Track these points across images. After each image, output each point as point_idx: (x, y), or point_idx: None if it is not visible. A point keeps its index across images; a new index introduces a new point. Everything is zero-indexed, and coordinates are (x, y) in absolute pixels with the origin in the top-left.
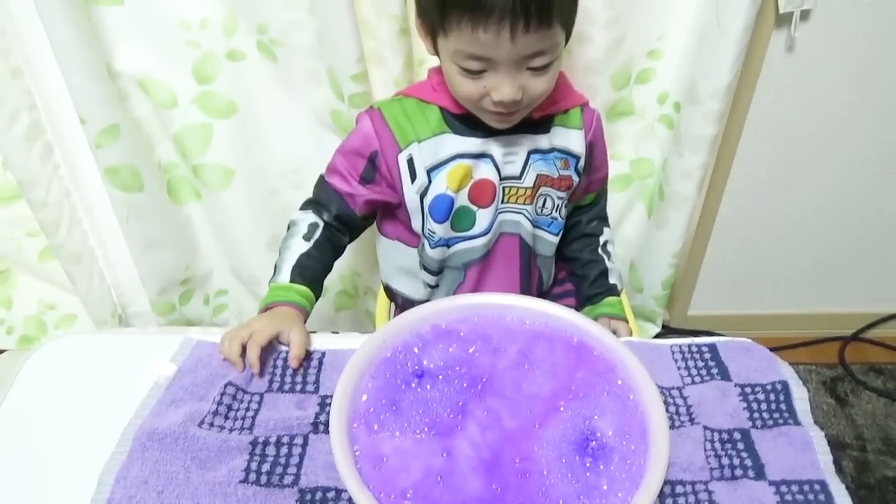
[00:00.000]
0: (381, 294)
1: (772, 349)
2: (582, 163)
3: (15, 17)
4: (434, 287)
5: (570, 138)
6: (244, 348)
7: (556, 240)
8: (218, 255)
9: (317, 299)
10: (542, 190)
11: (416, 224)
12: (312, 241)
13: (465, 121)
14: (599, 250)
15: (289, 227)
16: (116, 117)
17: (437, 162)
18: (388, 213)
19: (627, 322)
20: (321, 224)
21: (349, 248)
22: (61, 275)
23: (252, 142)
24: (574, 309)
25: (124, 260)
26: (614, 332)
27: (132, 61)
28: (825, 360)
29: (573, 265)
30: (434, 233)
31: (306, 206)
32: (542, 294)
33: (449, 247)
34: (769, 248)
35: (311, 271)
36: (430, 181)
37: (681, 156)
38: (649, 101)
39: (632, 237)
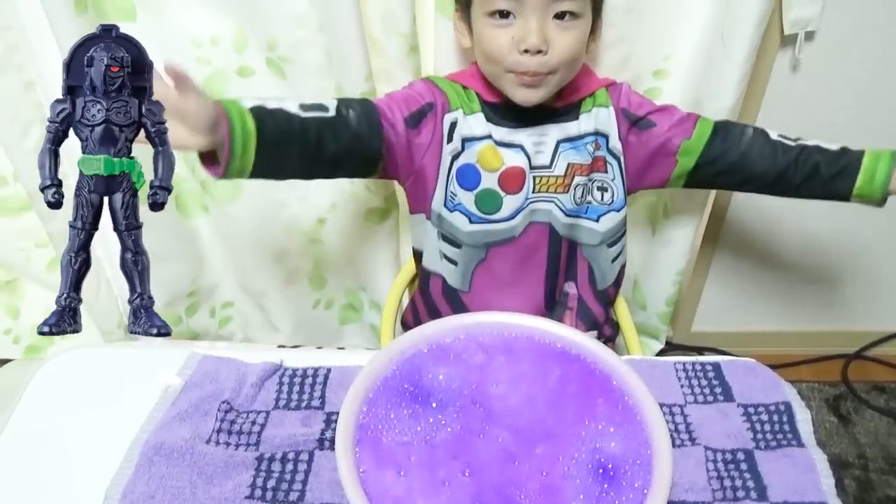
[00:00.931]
0: (387, 308)
1: (775, 367)
2: (614, 140)
3: (28, 32)
4: (454, 264)
5: (600, 117)
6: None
7: (598, 226)
8: (224, 267)
9: (257, 149)
10: (577, 180)
11: (440, 188)
12: (305, 114)
13: (498, 109)
14: (787, 143)
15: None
16: None
17: (472, 136)
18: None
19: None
20: (331, 111)
21: (353, 262)
22: None
23: None
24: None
25: None
26: None
27: None
28: (828, 378)
29: (788, 183)
30: (456, 195)
31: (341, 99)
32: (598, 293)
33: (472, 222)
34: (772, 265)
35: (275, 123)
36: (462, 150)
37: None
38: None
39: (635, 254)
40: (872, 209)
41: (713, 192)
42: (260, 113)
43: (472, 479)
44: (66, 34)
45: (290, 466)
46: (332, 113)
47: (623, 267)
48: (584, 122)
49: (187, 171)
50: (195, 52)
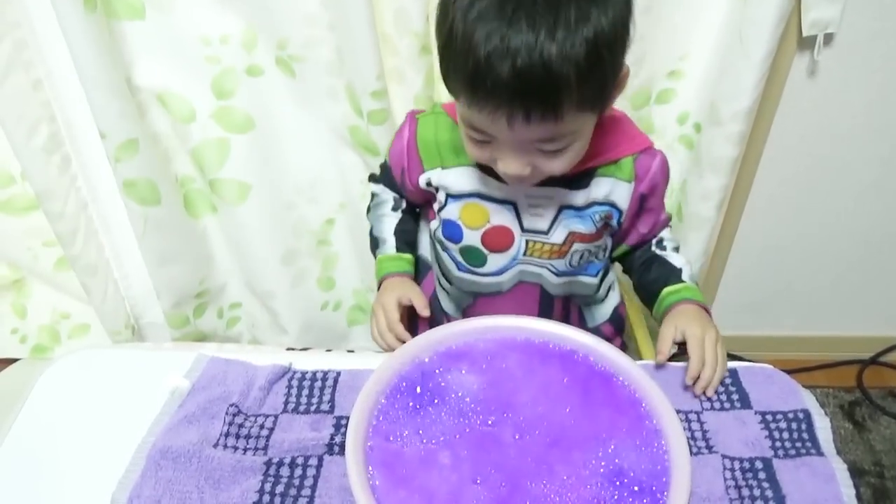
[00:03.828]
0: None
1: (789, 372)
2: (626, 215)
3: (37, 30)
4: (448, 294)
5: (615, 191)
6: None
7: (594, 280)
8: (232, 268)
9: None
10: (576, 247)
11: (432, 226)
12: (400, 210)
13: None
14: (654, 247)
15: (372, 197)
16: (136, 132)
17: (454, 192)
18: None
19: (703, 309)
20: (400, 195)
21: (361, 263)
22: (76, 285)
23: (269, 157)
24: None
25: (138, 271)
26: (682, 336)
27: (152, 76)
28: (843, 384)
29: (634, 281)
30: (443, 242)
31: (379, 180)
32: (592, 331)
33: (459, 269)
34: (788, 270)
35: (409, 236)
36: (445, 203)
37: (701, 177)
38: (669, 122)
39: None
40: (893, 212)
41: (728, 195)
42: (405, 242)
43: (485, 489)
44: (75, 32)
45: (298, 472)
46: (400, 196)
47: (618, 306)
48: (595, 190)
49: (195, 171)
50: (204, 50)
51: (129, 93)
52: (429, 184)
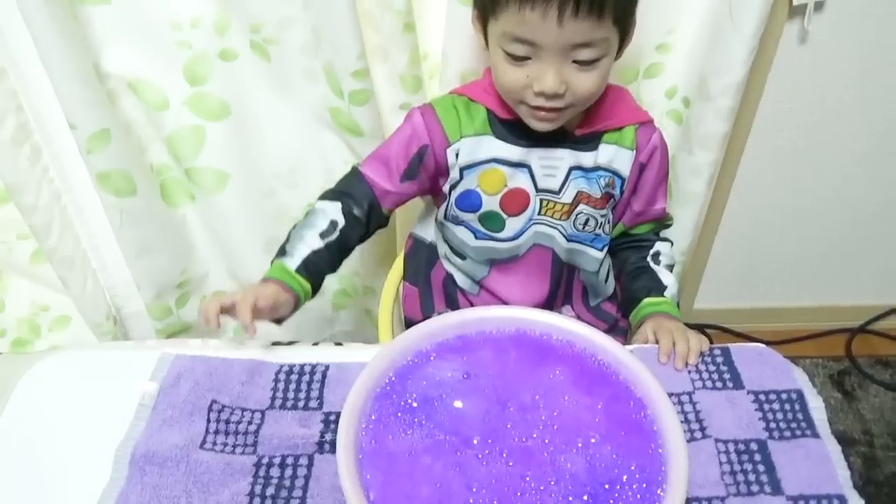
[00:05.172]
0: (384, 300)
1: (779, 343)
2: (627, 185)
3: None
4: (460, 270)
5: (618, 158)
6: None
7: (600, 255)
8: (214, 257)
9: (314, 296)
10: (581, 208)
11: (442, 207)
12: (326, 241)
13: (510, 127)
14: (648, 258)
15: (307, 214)
16: (106, 121)
17: (472, 161)
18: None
19: (676, 321)
20: (342, 222)
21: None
22: (54, 277)
23: (246, 143)
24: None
25: (117, 261)
26: (656, 339)
27: (121, 62)
28: (832, 354)
29: (621, 280)
30: (458, 216)
31: (334, 196)
32: (593, 309)
33: (477, 238)
34: (776, 240)
35: (318, 268)
36: (461, 178)
37: (690, 152)
38: (657, 96)
39: None
40: (883, 181)
41: (717, 170)
42: (307, 270)
43: (480, 486)
44: (38, 18)
45: (289, 472)
46: (343, 223)
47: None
48: (602, 155)
49: (171, 159)
50: (175, 35)
51: (98, 81)
52: (457, 155)
